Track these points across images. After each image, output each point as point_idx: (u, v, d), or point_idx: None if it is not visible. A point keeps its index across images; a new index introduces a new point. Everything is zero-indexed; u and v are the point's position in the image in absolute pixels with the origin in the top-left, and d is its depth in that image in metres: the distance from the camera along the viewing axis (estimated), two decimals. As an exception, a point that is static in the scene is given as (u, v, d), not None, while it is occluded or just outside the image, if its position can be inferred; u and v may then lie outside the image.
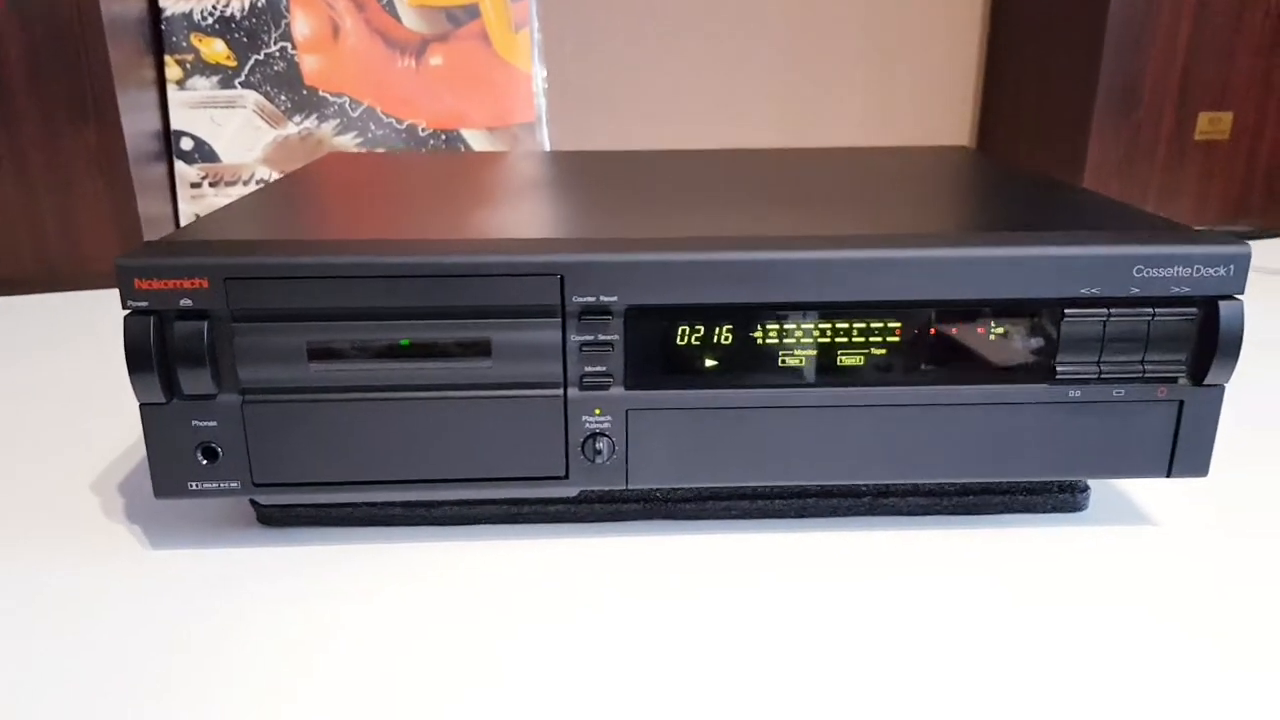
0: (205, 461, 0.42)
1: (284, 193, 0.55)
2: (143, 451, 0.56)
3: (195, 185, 1.03)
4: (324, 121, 1.05)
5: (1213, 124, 1.04)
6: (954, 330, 0.43)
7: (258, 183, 1.05)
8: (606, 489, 0.46)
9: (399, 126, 1.07)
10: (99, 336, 0.77)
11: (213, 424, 0.42)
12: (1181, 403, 0.44)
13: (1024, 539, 0.47)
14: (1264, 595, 0.42)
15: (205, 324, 0.40)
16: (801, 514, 0.48)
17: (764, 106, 1.26)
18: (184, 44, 1.01)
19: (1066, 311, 0.43)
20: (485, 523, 0.48)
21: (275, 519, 0.48)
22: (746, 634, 0.40)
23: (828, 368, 0.43)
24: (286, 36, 1.03)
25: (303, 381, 0.42)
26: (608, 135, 1.23)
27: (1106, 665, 0.38)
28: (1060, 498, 0.49)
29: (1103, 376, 0.44)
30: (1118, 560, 0.45)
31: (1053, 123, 1.09)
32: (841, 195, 0.55)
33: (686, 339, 0.43)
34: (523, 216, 0.49)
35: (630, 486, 0.44)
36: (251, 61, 1.03)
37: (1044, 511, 0.49)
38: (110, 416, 0.61)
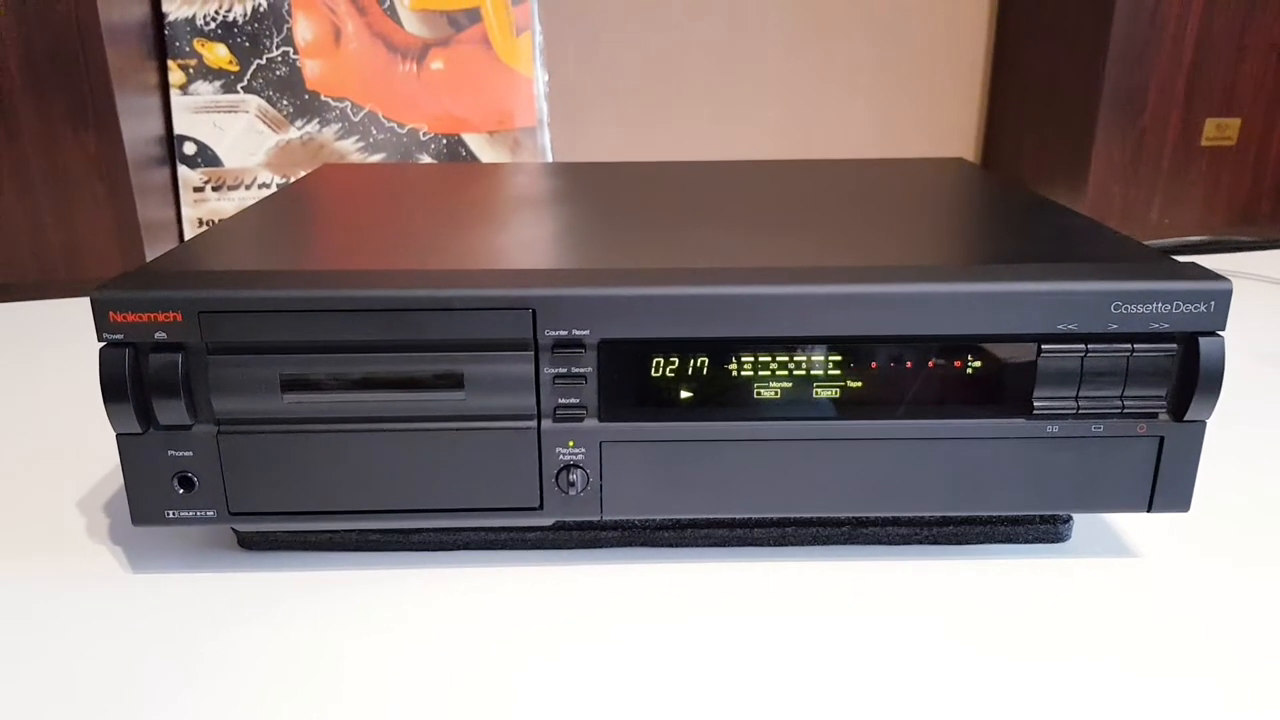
0: (182, 491, 0.43)
1: (264, 216, 0.55)
2: (130, 470, 0.57)
3: (198, 190, 1.04)
4: (325, 126, 1.06)
5: (1220, 130, 1.02)
6: (930, 364, 0.43)
7: (260, 187, 1.05)
8: (582, 519, 0.46)
9: (400, 131, 1.07)
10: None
11: (189, 454, 0.42)
12: (1162, 439, 0.44)
13: (1005, 570, 0.47)
14: (1247, 628, 0.42)
15: (180, 356, 0.40)
16: (781, 542, 0.48)
17: (767, 112, 1.25)
18: (187, 49, 1.01)
19: (1043, 347, 0.42)
20: (464, 549, 0.48)
21: (255, 543, 0.48)
22: (728, 664, 0.40)
23: (803, 401, 0.43)
24: (289, 41, 1.03)
25: (276, 413, 0.42)
26: (609, 140, 1.22)
27: (1087, 703, 0.38)
28: (1042, 528, 0.49)
29: (1081, 412, 0.43)
30: (1099, 593, 0.45)
31: (1058, 128, 1.08)
32: (824, 216, 0.55)
33: (661, 371, 0.43)
34: (496, 243, 0.49)
35: (605, 517, 0.44)
36: (254, 66, 1.03)
37: (1026, 542, 0.49)
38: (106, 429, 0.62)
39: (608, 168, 0.70)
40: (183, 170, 1.03)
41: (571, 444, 0.43)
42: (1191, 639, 0.42)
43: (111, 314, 0.40)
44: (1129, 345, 0.42)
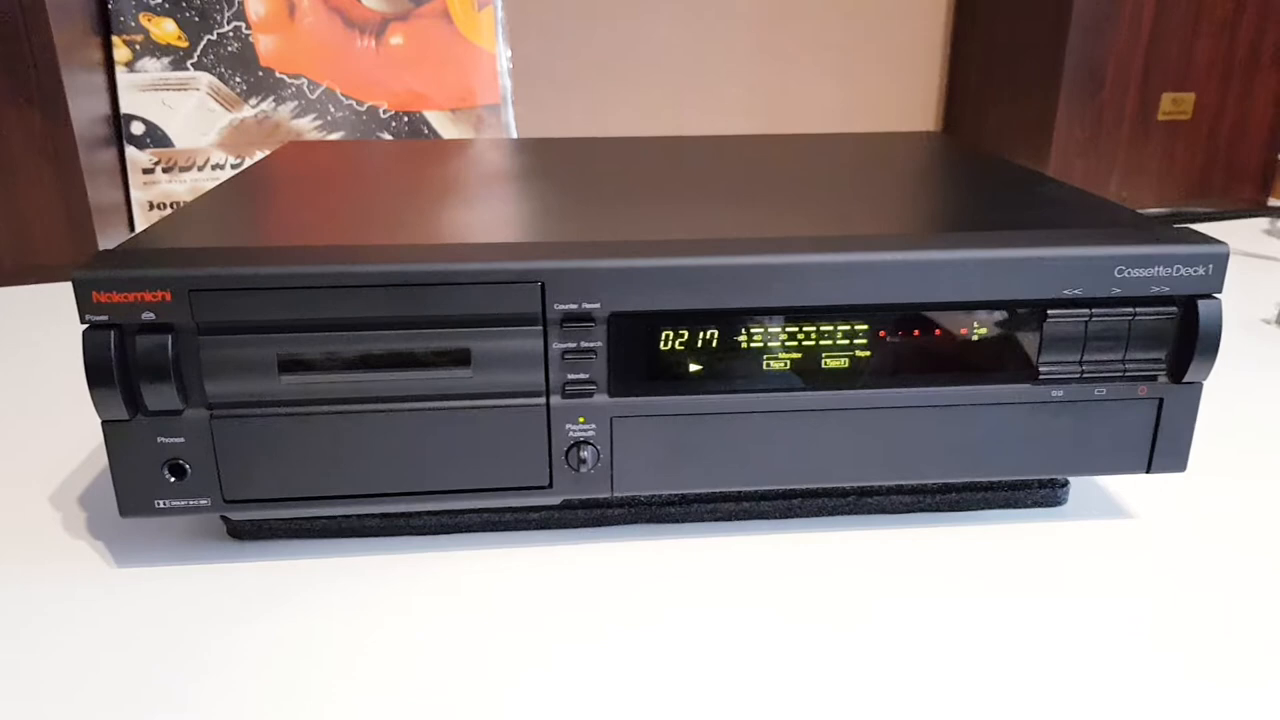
0: (173, 479, 0.41)
1: (244, 190, 0.53)
2: (101, 462, 0.55)
3: (148, 171, 1.00)
4: (281, 104, 1.02)
5: (1175, 104, 1.05)
6: (937, 332, 0.43)
7: (213, 168, 1.01)
8: (591, 497, 0.45)
9: (359, 109, 1.04)
10: (49, 336, 0.74)
11: (179, 440, 0.40)
12: (1161, 400, 0.44)
13: (1007, 535, 0.47)
14: (1233, 586, 0.43)
15: (169, 338, 0.39)
16: (787, 514, 0.48)
17: (730, 85, 1.24)
18: (132, 24, 0.97)
19: (1049, 312, 0.42)
20: (466, 531, 0.47)
21: (247, 532, 0.46)
22: (746, 638, 0.39)
23: (812, 371, 0.43)
24: (240, 16, 0.99)
25: (273, 395, 0.40)
26: (573, 117, 1.21)
27: (1091, 661, 0.38)
28: (1041, 493, 0.49)
29: (1084, 376, 0.44)
30: (1099, 553, 0.46)
31: (1019, 103, 1.09)
32: (819, 189, 0.54)
33: (670, 344, 0.42)
34: (497, 216, 0.48)
35: (615, 494, 0.44)
36: (204, 42, 0.99)
37: (1025, 507, 0.49)
38: (63, 425, 0.59)
39: (587, 143, 0.69)
40: (130, 151, 0.99)
41: (582, 420, 0.42)
42: (1194, 595, 0.42)
43: (95, 294, 0.38)
44: (1131, 309, 0.43)
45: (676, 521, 0.48)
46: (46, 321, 0.77)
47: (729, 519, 0.48)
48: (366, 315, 0.39)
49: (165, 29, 0.98)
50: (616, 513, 0.47)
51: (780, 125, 1.26)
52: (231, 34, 1.00)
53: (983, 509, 0.49)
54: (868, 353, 0.43)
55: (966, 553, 0.46)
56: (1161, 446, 0.45)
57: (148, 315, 0.38)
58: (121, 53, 0.97)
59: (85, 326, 0.38)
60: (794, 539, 0.47)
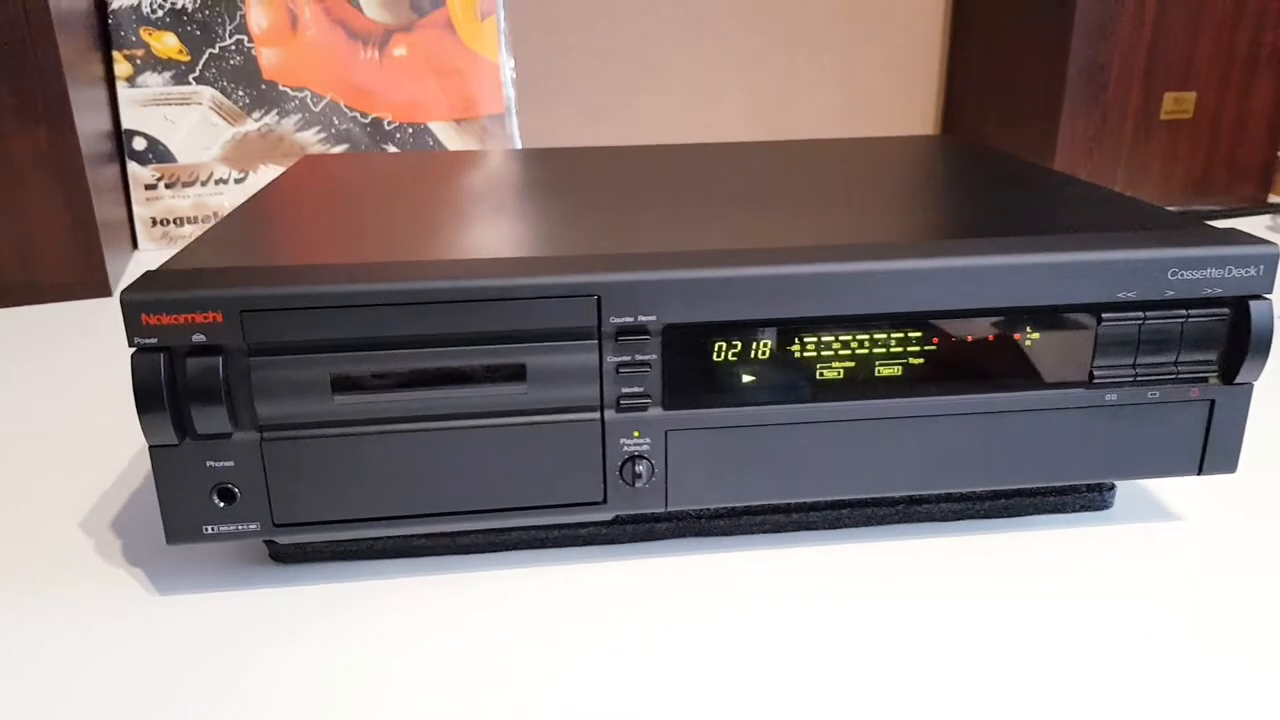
0: (222, 504, 0.40)
1: (274, 207, 0.52)
2: (130, 485, 0.54)
3: (150, 187, 0.98)
4: (285, 117, 1.01)
5: (1177, 104, 1.05)
6: (991, 338, 0.42)
7: (217, 183, 1.00)
8: (639, 512, 0.44)
9: (363, 120, 1.03)
10: (61, 356, 0.73)
11: (229, 464, 0.39)
12: (1213, 402, 0.44)
13: (1057, 540, 0.47)
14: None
15: (220, 359, 0.38)
16: (836, 525, 0.48)
17: (728, 90, 1.24)
18: (133, 38, 0.96)
19: (1104, 316, 0.42)
20: (512, 549, 0.46)
21: (290, 556, 0.45)
22: (800, 652, 0.39)
23: (868, 380, 0.42)
24: (242, 29, 0.98)
25: (326, 415, 0.39)
26: (576, 126, 1.20)
27: (1149, 662, 0.38)
28: (1089, 496, 0.49)
29: (1138, 379, 0.43)
30: (1149, 556, 0.45)
31: (1022, 104, 1.10)
32: (853, 195, 0.54)
33: (724, 355, 0.41)
34: (536, 228, 0.47)
35: (669, 508, 0.43)
36: (206, 56, 0.98)
37: (1073, 511, 0.49)
38: (82, 447, 0.58)
39: (608, 151, 0.68)
40: (132, 167, 0.98)
41: (637, 434, 0.41)
42: (1248, 596, 0.42)
43: (144, 316, 0.37)
44: (1184, 311, 0.43)
45: (725, 535, 0.47)
46: (54, 341, 0.75)
47: (777, 530, 0.48)
48: (421, 332, 0.39)
49: (166, 43, 0.97)
50: (664, 527, 0.47)
51: (778, 129, 1.26)
52: (234, 47, 0.98)
53: (1031, 514, 0.49)
54: (922, 360, 0.42)
55: (1019, 560, 0.45)
56: (1213, 448, 0.45)
57: (198, 337, 0.37)
58: (122, 67, 0.96)
59: (133, 350, 0.37)
60: (845, 550, 0.46)
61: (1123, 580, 0.44)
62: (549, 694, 0.37)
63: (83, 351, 0.74)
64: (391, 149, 1.04)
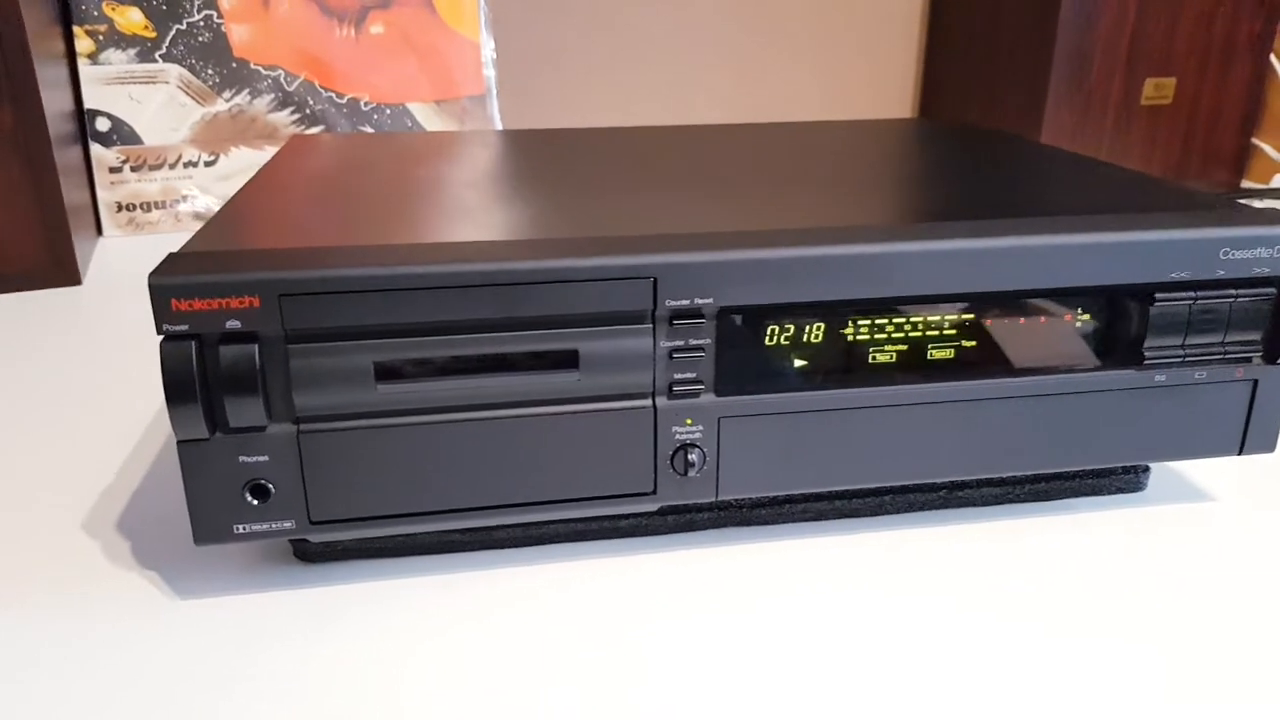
0: (255, 501, 0.38)
1: (284, 189, 0.49)
2: (132, 485, 0.51)
3: (114, 170, 0.94)
4: (257, 97, 0.97)
5: (1158, 89, 1.06)
6: (1044, 320, 0.42)
7: (185, 165, 0.96)
8: (688, 502, 0.43)
9: (340, 101, 1.00)
10: (35, 350, 0.69)
11: (263, 459, 0.37)
12: (1256, 382, 0.44)
13: (1097, 523, 0.47)
14: (1344, 569, 0.43)
15: (255, 347, 0.35)
16: (878, 511, 0.47)
17: (705, 73, 1.23)
18: (95, 13, 0.91)
19: (1156, 296, 0.42)
20: (551, 542, 0.44)
21: (317, 554, 0.43)
22: (848, 640, 0.38)
23: (920, 363, 0.41)
24: (211, 4, 0.94)
25: (369, 405, 0.37)
26: (556, 108, 1.18)
27: (1212, 641, 0.37)
28: (1125, 478, 0.49)
29: (1187, 359, 0.43)
30: (1188, 536, 0.45)
31: (1005, 91, 1.10)
32: (886, 178, 0.53)
33: (777, 339, 0.40)
34: (577, 209, 0.45)
35: (720, 498, 0.42)
36: (173, 32, 0.94)
37: (1109, 493, 0.49)
38: (71, 447, 0.55)
39: (610, 132, 0.66)
40: (96, 149, 0.93)
41: (689, 422, 0.40)
42: (1303, 577, 0.43)
43: (175, 302, 0.34)
44: (1233, 291, 0.42)
45: (766, 524, 0.46)
46: (22, 333, 0.71)
47: (819, 519, 0.46)
48: (470, 317, 0.36)
49: (131, 18, 0.92)
50: (705, 517, 0.45)
51: (756, 112, 1.25)
52: (202, 23, 0.94)
53: (1069, 497, 0.49)
54: (975, 342, 0.42)
55: (1063, 543, 0.45)
56: (1254, 428, 0.45)
57: (232, 323, 0.35)
58: (84, 44, 0.91)
59: (161, 338, 0.35)
60: (891, 537, 0.45)
61: (1166, 561, 0.44)
62: (601, 692, 0.35)
63: (58, 344, 0.70)
64: (369, 130, 1.00)
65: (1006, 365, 0.42)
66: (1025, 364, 0.42)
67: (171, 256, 0.36)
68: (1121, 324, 0.42)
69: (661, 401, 0.40)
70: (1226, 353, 0.43)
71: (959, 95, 1.19)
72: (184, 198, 0.96)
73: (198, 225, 0.97)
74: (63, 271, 0.79)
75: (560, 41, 1.16)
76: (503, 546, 0.44)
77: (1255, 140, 1.11)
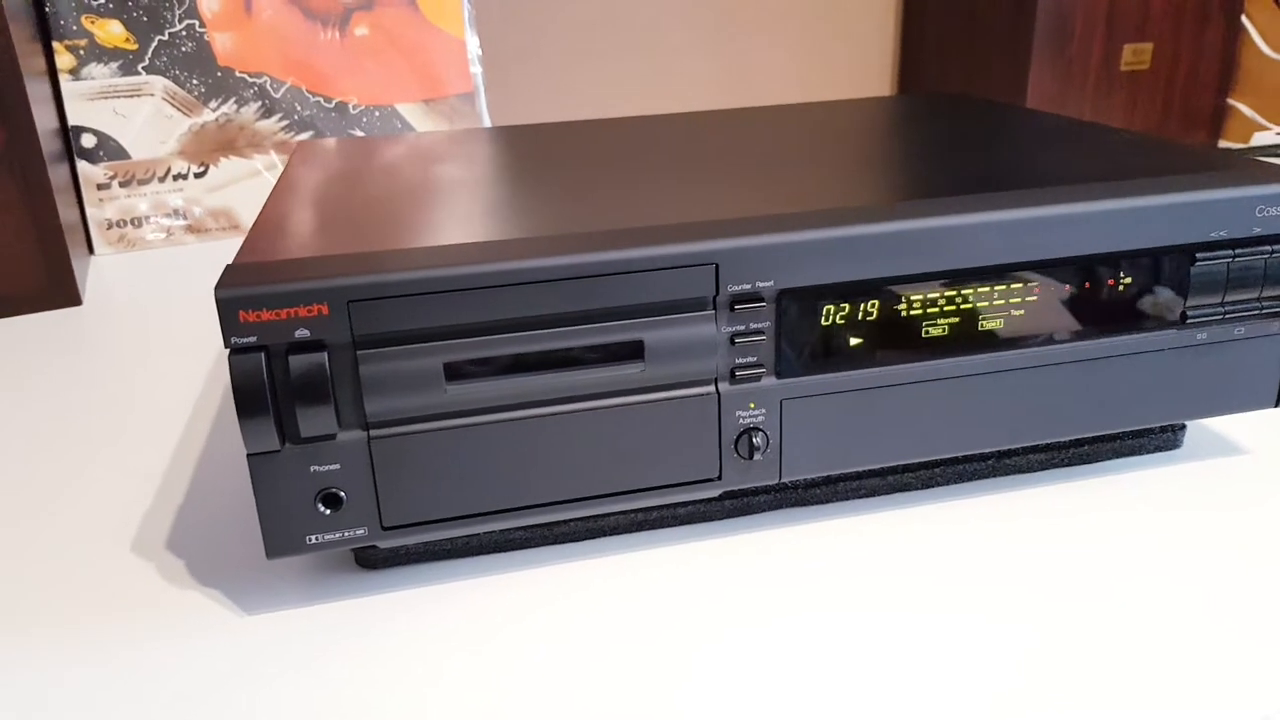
0: (327, 510, 0.37)
1: (316, 196, 0.49)
2: (173, 504, 0.50)
3: (103, 186, 0.92)
4: (244, 105, 0.96)
5: (1136, 55, 1.08)
6: (1088, 285, 0.42)
7: (175, 178, 0.94)
8: (752, 485, 0.43)
9: (327, 105, 0.98)
10: (45, 374, 0.68)
11: (334, 467, 0.37)
12: (1291, 334, 0.45)
13: (1143, 482, 0.48)
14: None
15: (325, 355, 0.35)
16: (929, 483, 0.47)
17: (687, 61, 1.23)
18: (74, 27, 0.89)
19: (1197, 255, 0.43)
20: (610, 534, 0.44)
21: (379, 560, 0.43)
22: (919, 611, 0.38)
23: (973, 335, 0.42)
24: (193, 13, 0.92)
25: (438, 407, 0.37)
26: (542, 103, 1.17)
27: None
28: (1163, 437, 0.50)
29: (1227, 316, 0.44)
30: (1230, 490, 0.46)
31: (987, 60, 1.11)
32: (913, 154, 0.53)
33: (833, 319, 0.40)
34: (629, 198, 0.45)
35: (783, 479, 0.42)
36: (155, 43, 0.92)
37: (1148, 452, 0.50)
38: (100, 472, 0.54)
39: (623, 121, 0.66)
40: (82, 166, 0.91)
41: (752, 405, 0.40)
42: (1348, 522, 0.44)
43: (242, 314, 0.34)
44: (1269, 247, 0.43)
45: (822, 503, 0.46)
46: (24, 357, 0.70)
47: (873, 494, 0.47)
48: (537, 313, 0.36)
49: (111, 31, 0.90)
50: (762, 500, 0.46)
51: (737, 95, 1.25)
52: (184, 33, 0.93)
53: (1111, 459, 0.49)
54: (1023, 311, 0.42)
55: (1112, 501, 0.46)
56: (1290, 380, 0.46)
57: (301, 332, 0.35)
58: (65, 59, 0.89)
59: (229, 351, 0.34)
60: (945, 508, 0.46)
61: (1209, 514, 0.45)
62: (659, 671, 0.36)
63: (66, 366, 0.69)
64: (358, 134, 0.99)
65: (1056, 332, 0.43)
66: (1073, 330, 0.43)
67: (230, 269, 0.36)
68: (1164, 286, 0.43)
69: (724, 387, 0.40)
70: (1263, 308, 0.44)
71: (939, 66, 1.20)
72: (176, 211, 0.95)
73: (192, 239, 0.96)
74: (63, 293, 0.78)
75: (540, 34, 1.16)
76: (562, 541, 0.44)
77: (1231, 100, 1.13)
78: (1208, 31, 1.09)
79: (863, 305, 0.40)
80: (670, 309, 0.38)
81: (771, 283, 0.38)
